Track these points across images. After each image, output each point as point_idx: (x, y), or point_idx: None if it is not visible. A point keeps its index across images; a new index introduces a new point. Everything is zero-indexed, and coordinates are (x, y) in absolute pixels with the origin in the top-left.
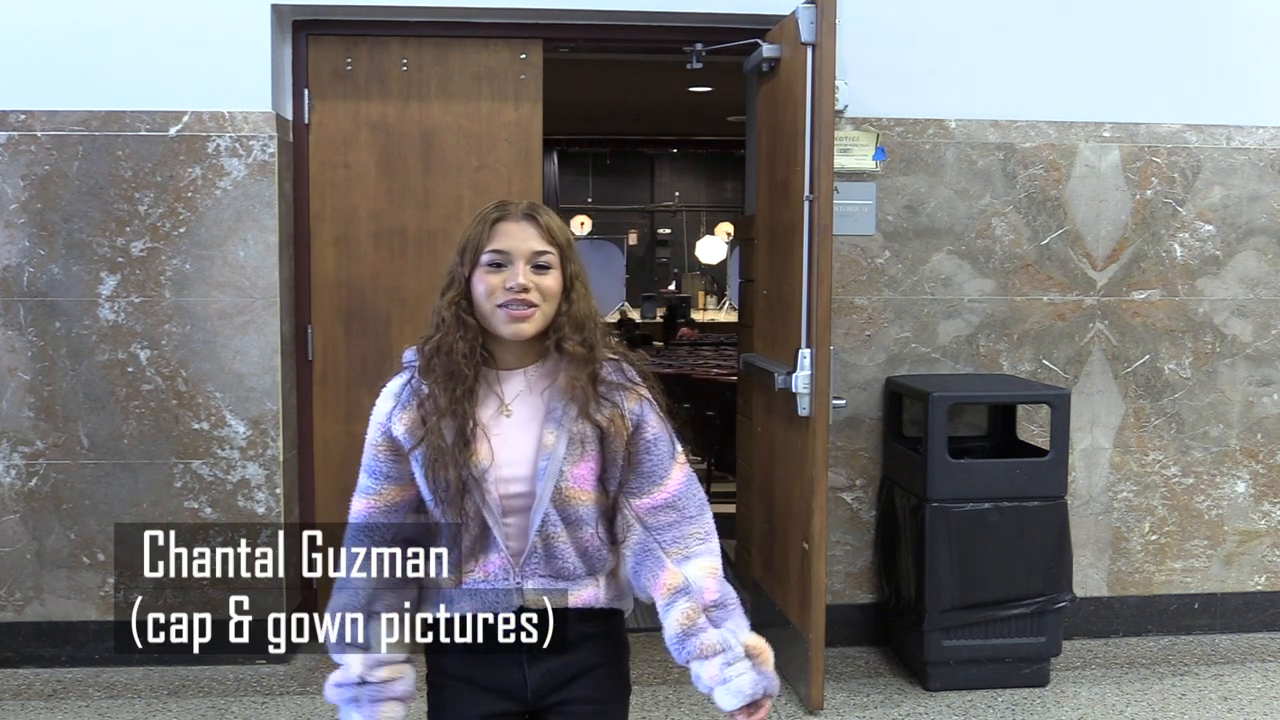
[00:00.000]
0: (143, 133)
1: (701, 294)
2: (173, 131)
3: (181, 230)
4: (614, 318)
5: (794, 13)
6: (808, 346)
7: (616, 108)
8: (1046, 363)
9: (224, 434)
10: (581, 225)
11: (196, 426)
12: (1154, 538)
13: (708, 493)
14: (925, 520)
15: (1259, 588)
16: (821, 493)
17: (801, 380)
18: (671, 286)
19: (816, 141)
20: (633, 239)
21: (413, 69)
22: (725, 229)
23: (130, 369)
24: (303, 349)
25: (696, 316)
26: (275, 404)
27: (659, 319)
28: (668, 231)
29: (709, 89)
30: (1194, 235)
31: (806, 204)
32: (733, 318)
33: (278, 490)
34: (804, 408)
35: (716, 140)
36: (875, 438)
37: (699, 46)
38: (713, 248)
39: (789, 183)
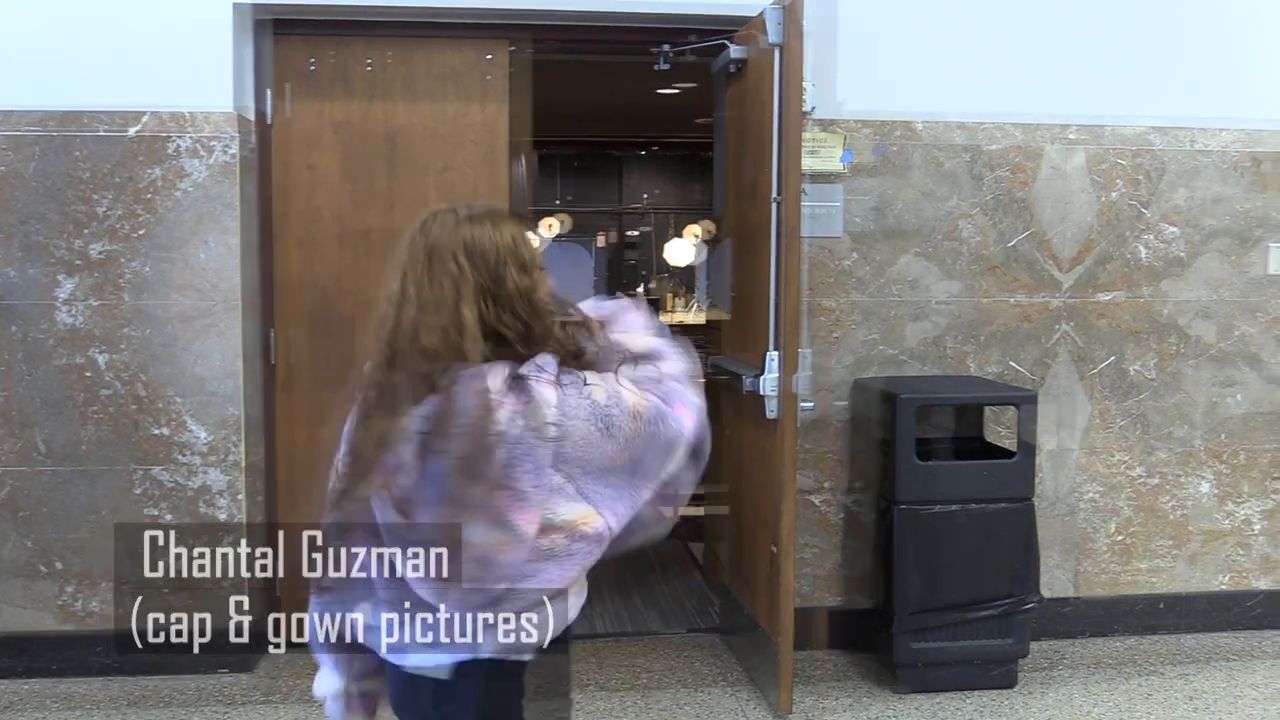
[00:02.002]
0: (101, 133)
1: (670, 295)
2: (132, 132)
3: (141, 232)
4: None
5: (761, 14)
6: (775, 349)
7: (586, 110)
8: (1013, 364)
9: (185, 440)
10: (549, 228)
11: (157, 432)
12: (1120, 538)
13: None
14: (893, 522)
15: (1223, 587)
16: (790, 495)
17: (769, 383)
18: (640, 289)
19: (784, 143)
20: (601, 241)
21: (377, 69)
22: (695, 231)
23: (89, 374)
24: (266, 353)
25: (665, 319)
26: (238, 409)
27: None
28: (636, 234)
29: (678, 90)
30: (1159, 237)
31: (774, 205)
32: (702, 319)
33: (240, 496)
34: (772, 410)
35: (685, 142)
36: (843, 440)
37: (666, 47)
38: (681, 250)
39: (757, 184)
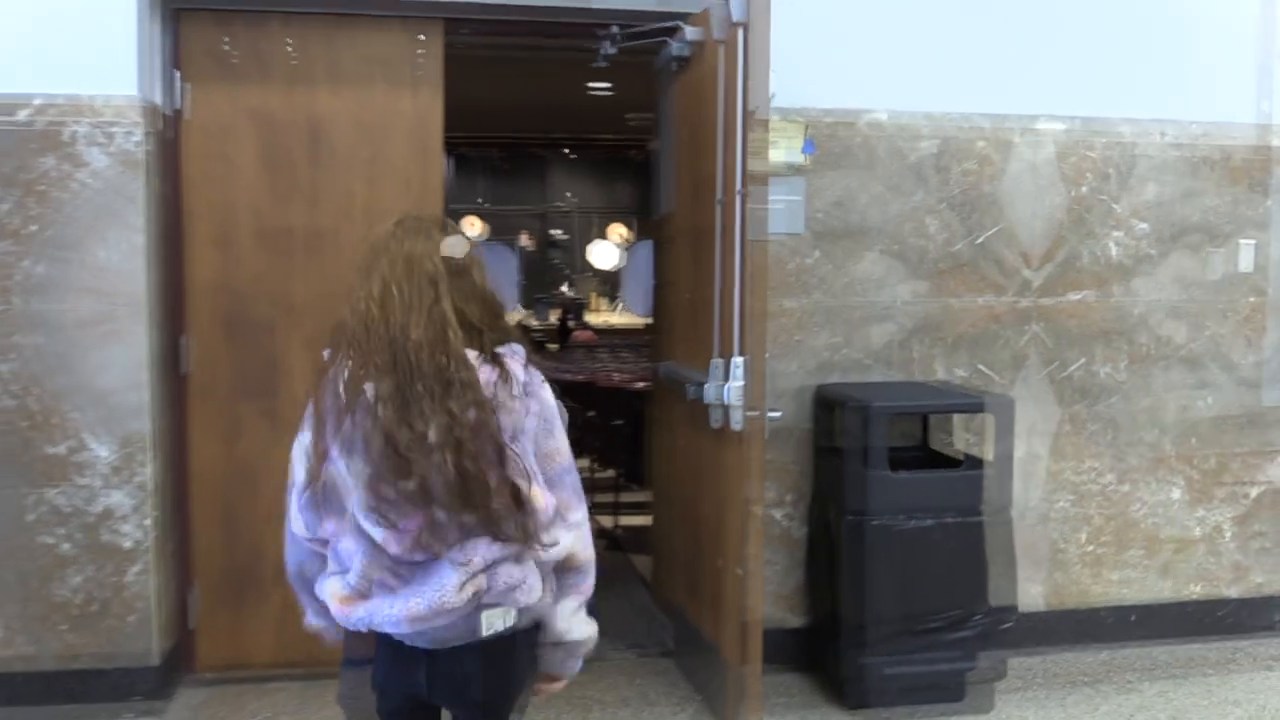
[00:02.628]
0: None
1: (594, 295)
2: (24, 119)
3: (33, 229)
4: (513, 319)
5: (706, 10)
6: (724, 355)
7: (511, 107)
8: (981, 368)
9: (84, 459)
10: (471, 226)
11: (51, 451)
12: (1089, 548)
13: (618, 504)
14: (845, 535)
15: (1194, 596)
16: (736, 509)
17: (720, 391)
18: (564, 288)
19: (730, 139)
20: (526, 241)
21: (298, 51)
22: (619, 232)
23: None
24: (176, 361)
25: (590, 319)
26: (144, 424)
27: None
28: (564, 236)
29: (609, 86)
30: (1128, 234)
31: (719, 206)
32: (627, 321)
33: (147, 520)
34: (717, 419)
35: (610, 143)
36: (799, 450)
37: (606, 43)
38: (605, 252)
39: (700, 184)
